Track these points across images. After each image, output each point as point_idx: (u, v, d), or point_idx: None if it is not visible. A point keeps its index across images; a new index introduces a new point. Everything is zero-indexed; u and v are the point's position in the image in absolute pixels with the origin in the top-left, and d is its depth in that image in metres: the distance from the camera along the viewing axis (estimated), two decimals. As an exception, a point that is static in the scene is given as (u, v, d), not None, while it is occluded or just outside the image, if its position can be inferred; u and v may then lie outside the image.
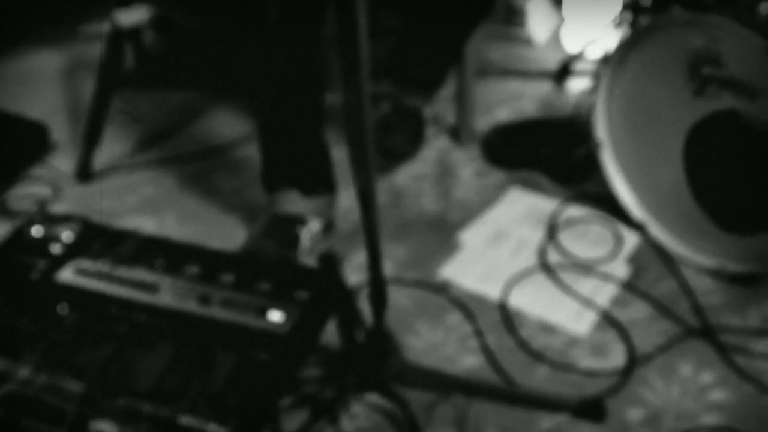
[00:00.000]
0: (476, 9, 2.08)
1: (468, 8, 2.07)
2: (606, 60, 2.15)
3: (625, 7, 2.69)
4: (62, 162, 2.58)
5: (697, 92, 1.97)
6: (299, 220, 2.11)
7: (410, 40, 2.19)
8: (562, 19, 3.22)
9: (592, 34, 2.95)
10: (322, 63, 2.07)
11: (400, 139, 2.36)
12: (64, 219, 1.84)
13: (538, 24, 3.17)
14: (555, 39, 3.18)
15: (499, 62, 3.02)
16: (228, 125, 2.73)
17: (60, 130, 2.70)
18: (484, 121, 2.66)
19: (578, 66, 2.89)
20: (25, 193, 2.45)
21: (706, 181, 2.06)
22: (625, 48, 2.06)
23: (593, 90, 2.59)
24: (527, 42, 3.16)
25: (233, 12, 2.19)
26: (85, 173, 2.51)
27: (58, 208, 2.39)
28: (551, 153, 2.46)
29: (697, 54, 1.94)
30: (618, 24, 2.73)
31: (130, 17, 2.59)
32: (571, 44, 3.09)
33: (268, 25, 1.93)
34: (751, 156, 1.96)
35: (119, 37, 2.56)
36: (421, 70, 2.25)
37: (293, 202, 2.13)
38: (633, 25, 2.60)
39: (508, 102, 2.79)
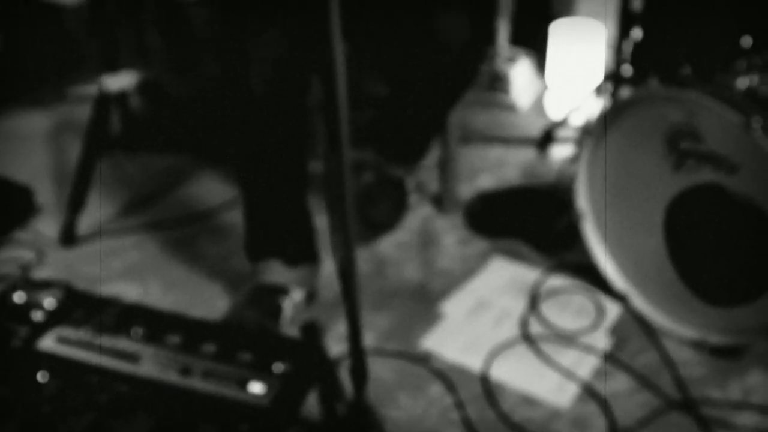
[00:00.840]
0: (460, 78, 2.11)
1: (452, 77, 2.09)
2: (587, 131, 2.18)
3: (607, 77, 2.74)
4: (46, 225, 2.58)
5: (677, 166, 2.00)
6: (282, 291, 2.11)
7: (394, 110, 2.21)
8: (545, 86, 3.28)
9: (575, 102, 2.99)
10: (307, 131, 2.09)
11: (383, 210, 2.37)
12: (47, 285, 1.84)
13: (521, 90, 3.21)
14: (538, 105, 3.22)
15: (483, 129, 3.06)
16: (213, 190, 2.75)
17: (45, 193, 2.71)
18: (467, 189, 2.68)
19: (561, 133, 2.93)
20: (8, 257, 2.44)
21: (687, 252, 2.08)
22: (606, 121, 2.09)
23: (575, 159, 2.63)
24: (511, 108, 3.20)
25: (219, 81, 2.22)
26: (69, 237, 2.51)
27: (41, 272, 2.38)
28: (534, 222, 2.48)
29: (676, 128, 1.97)
30: (600, 93, 2.78)
31: (118, 82, 2.62)
32: (554, 111, 3.14)
33: (254, 95, 1.95)
34: (731, 228, 1.98)
35: (106, 101, 2.58)
36: (404, 140, 2.27)
37: (277, 273, 2.14)
38: (614, 95, 2.65)
39: (491, 169, 2.81)
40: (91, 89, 3.15)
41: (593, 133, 2.13)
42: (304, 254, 2.18)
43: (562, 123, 2.94)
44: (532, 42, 3.30)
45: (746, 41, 2.26)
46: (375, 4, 2.07)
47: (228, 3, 2.08)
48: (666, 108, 1.97)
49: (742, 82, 2.06)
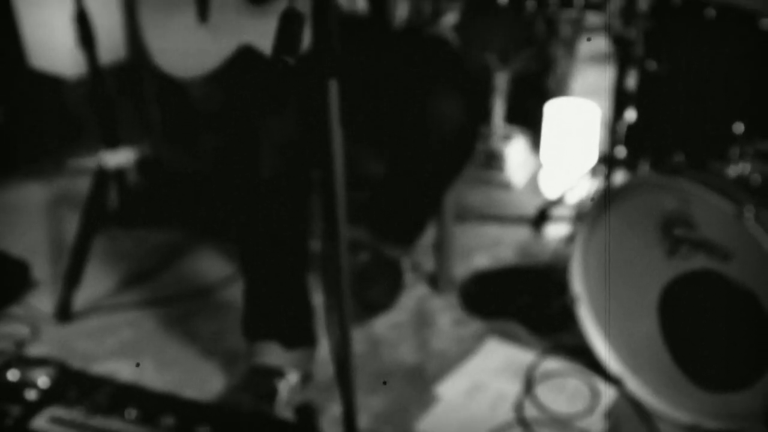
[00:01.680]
0: (455, 160, 2.13)
1: (447, 159, 2.12)
2: (581, 215, 2.20)
3: (601, 159, 2.77)
4: (42, 300, 2.58)
5: (670, 252, 2.02)
6: (278, 373, 2.11)
7: (390, 190, 2.24)
8: (540, 164, 3.31)
9: (570, 181, 3.02)
10: (308, 213, 2.11)
11: (379, 291, 2.38)
12: (41, 362, 1.84)
13: (516, 168, 3.25)
14: (533, 184, 3.25)
15: (478, 207, 3.08)
16: (209, 267, 2.75)
17: (41, 268, 2.72)
18: (462, 268, 2.70)
19: (556, 212, 2.95)
20: (3, 333, 2.44)
21: (681, 337, 2.09)
22: (600, 206, 2.11)
23: (570, 239, 2.64)
24: (506, 186, 3.23)
25: (224, 161, 2.24)
26: (64, 313, 2.51)
27: (36, 349, 2.38)
28: (529, 303, 2.49)
29: (670, 215, 1.99)
30: (594, 175, 2.81)
31: (116, 159, 2.64)
32: (549, 189, 3.17)
33: (261, 178, 1.97)
34: (726, 314, 1.99)
35: (104, 177, 2.61)
36: (400, 220, 2.29)
37: (273, 355, 2.14)
38: (608, 177, 2.68)
39: (487, 248, 2.83)
40: (89, 162, 3.19)
41: (588, 218, 2.15)
42: (301, 337, 2.18)
43: (557, 202, 2.97)
44: (528, 120, 3.35)
45: (738, 128, 2.30)
46: (371, 85, 2.11)
47: (239, 88, 2.13)
48: (660, 195, 2.00)
49: (735, 170, 2.10)
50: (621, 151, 2.69)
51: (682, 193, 1.96)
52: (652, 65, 2.55)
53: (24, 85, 3.41)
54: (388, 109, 2.12)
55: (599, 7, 1.66)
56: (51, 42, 3.31)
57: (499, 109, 3.24)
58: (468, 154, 2.18)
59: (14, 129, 3.38)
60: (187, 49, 2.19)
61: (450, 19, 2.27)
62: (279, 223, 2.03)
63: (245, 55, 2.09)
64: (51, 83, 3.40)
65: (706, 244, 1.95)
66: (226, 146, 2.18)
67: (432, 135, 2.03)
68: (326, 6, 1.14)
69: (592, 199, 2.11)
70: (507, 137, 3.25)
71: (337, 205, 1.37)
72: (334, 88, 1.26)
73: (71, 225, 2.67)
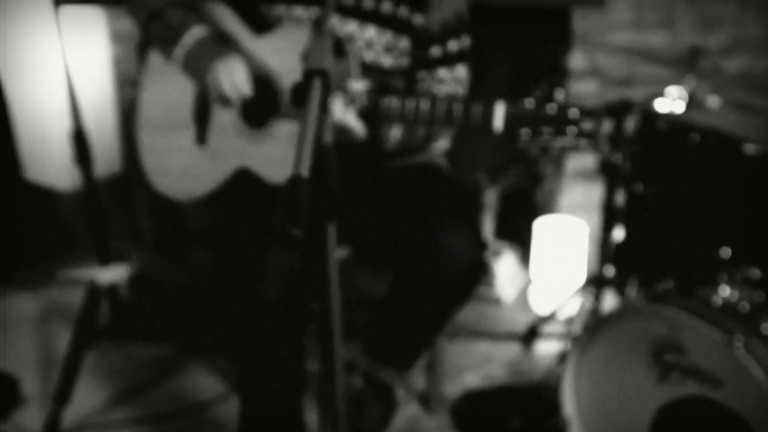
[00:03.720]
0: (459, 292, 2.15)
1: (452, 291, 2.13)
2: (572, 338, 2.22)
3: (589, 280, 2.80)
4: (30, 418, 2.56)
5: (661, 378, 2.03)
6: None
7: (390, 314, 2.24)
8: (529, 280, 3.34)
9: (559, 298, 3.05)
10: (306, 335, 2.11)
11: (371, 418, 2.36)
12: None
13: (506, 284, 3.27)
14: (523, 299, 3.27)
15: (468, 323, 3.09)
16: (202, 384, 2.74)
17: (30, 383, 2.70)
18: (453, 387, 2.69)
19: (546, 328, 2.96)
20: (-12, 453, 2.42)
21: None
22: (591, 332, 2.14)
23: (561, 358, 2.65)
24: (495, 302, 3.25)
25: (225, 286, 2.25)
26: (53, 432, 2.49)
27: (22, 470, 2.36)
28: (520, 424, 2.48)
29: (660, 342, 2.02)
30: (583, 294, 2.83)
31: (109, 275, 2.66)
32: (538, 305, 3.19)
33: (264, 303, 1.98)
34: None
35: (96, 294, 2.61)
36: (397, 345, 2.29)
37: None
38: (597, 296, 2.70)
39: (478, 366, 2.83)
40: (81, 273, 3.20)
41: (579, 342, 2.17)
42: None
43: (547, 319, 2.98)
44: (517, 236, 3.39)
45: (725, 252, 2.34)
46: (382, 216, 2.15)
47: (236, 211, 2.16)
48: (650, 322, 2.03)
49: (723, 296, 2.13)
50: (610, 270, 2.73)
51: (672, 321, 1.98)
52: (638, 187, 2.61)
53: (18, 196, 3.45)
54: (393, 236, 2.14)
55: (592, 136, 1.71)
56: (47, 155, 3.36)
57: (488, 225, 3.28)
58: (477, 283, 2.20)
59: (7, 240, 3.39)
60: (184, 171, 2.22)
61: (442, 144, 2.32)
62: (277, 345, 2.04)
63: (243, 178, 2.13)
64: (45, 195, 3.43)
65: (697, 372, 1.97)
66: (228, 268, 2.19)
67: (444, 268, 2.05)
68: (323, 155, 1.17)
69: (584, 326, 2.13)
70: (496, 253, 3.28)
71: (335, 347, 1.39)
72: (332, 232, 1.29)
73: (61, 338, 2.67)
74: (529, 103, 1.73)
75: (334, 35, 1.35)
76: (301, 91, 1.25)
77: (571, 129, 1.70)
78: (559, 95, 1.71)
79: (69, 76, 2.61)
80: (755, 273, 2.21)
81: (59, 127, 3.20)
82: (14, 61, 3.29)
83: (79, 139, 2.62)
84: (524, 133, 1.73)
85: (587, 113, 1.70)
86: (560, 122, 1.71)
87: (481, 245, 2.13)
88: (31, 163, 3.42)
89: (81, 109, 2.61)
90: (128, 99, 3.42)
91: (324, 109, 1.24)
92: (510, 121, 1.74)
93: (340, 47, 1.36)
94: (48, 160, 3.37)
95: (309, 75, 1.26)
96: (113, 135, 3.45)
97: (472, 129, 1.77)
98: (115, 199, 3.46)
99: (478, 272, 2.12)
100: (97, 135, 3.13)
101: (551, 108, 1.71)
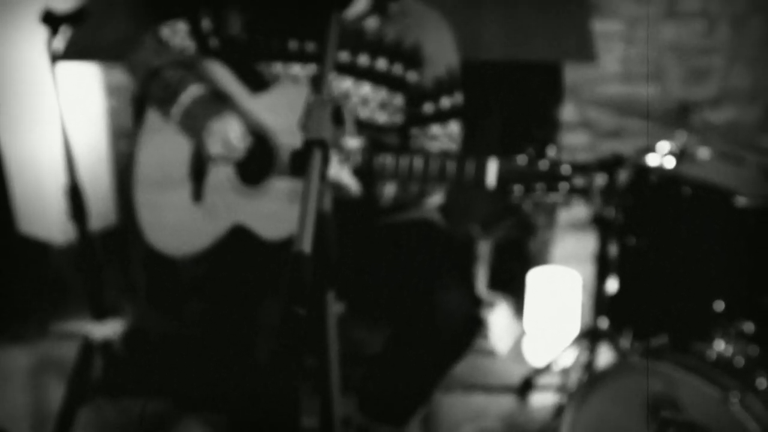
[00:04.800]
0: (455, 349, 2.15)
1: (448, 347, 2.14)
2: (568, 394, 2.22)
3: (583, 333, 2.81)
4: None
5: (658, 433, 2.04)
6: None
7: (387, 371, 2.24)
8: (523, 331, 3.34)
9: (554, 349, 3.05)
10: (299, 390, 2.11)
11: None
12: None
13: (500, 335, 3.27)
14: (517, 350, 3.27)
15: (463, 375, 3.09)
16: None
17: (22, 439, 2.69)
18: (449, 441, 2.69)
19: (541, 380, 2.96)
20: None
21: None
22: (586, 387, 2.14)
23: (557, 411, 2.65)
24: (490, 353, 3.24)
25: (217, 344, 2.25)
26: (44, 492, 2.47)
27: None
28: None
29: (656, 397, 2.02)
30: (577, 346, 2.84)
31: (103, 331, 2.65)
32: (533, 357, 3.19)
33: (257, 363, 1.99)
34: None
35: (90, 349, 2.61)
36: (395, 402, 2.27)
37: None
38: (592, 349, 2.71)
39: (473, 419, 2.82)
40: (74, 326, 3.19)
41: (575, 398, 2.17)
42: None
43: (542, 371, 2.98)
44: (510, 287, 3.40)
45: (719, 306, 2.35)
46: (377, 272, 2.15)
47: (231, 267, 2.17)
48: (645, 378, 2.03)
49: (718, 349, 2.13)
50: (604, 322, 2.74)
51: (668, 377, 1.99)
52: (631, 240, 2.62)
53: (12, 249, 3.45)
54: (389, 293, 2.15)
55: (584, 192, 1.72)
56: (41, 209, 3.37)
57: (482, 276, 3.29)
58: (473, 339, 2.20)
59: (1, 293, 3.38)
60: (180, 228, 2.24)
61: (436, 199, 2.34)
62: (271, 401, 2.03)
63: (238, 234, 2.14)
64: (39, 248, 3.44)
65: (694, 427, 1.98)
66: (221, 323, 2.19)
67: (440, 325, 2.05)
68: (322, 223, 1.18)
69: (579, 380, 2.14)
70: (490, 304, 3.29)
71: (332, 405, 1.39)
72: (331, 299, 1.30)
73: (54, 392, 2.65)
74: (521, 159, 1.75)
75: (333, 103, 1.37)
76: (299, 159, 1.26)
77: (563, 185, 1.72)
78: (551, 151, 1.73)
79: (65, 131, 2.62)
80: (749, 327, 2.22)
81: (54, 180, 3.21)
82: (10, 115, 3.31)
83: (75, 195, 2.63)
84: (517, 189, 1.74)
85: (579, 169, 1.72)
86: (552, 178, 1.73)
87: (476, 301, 2.14)
88: (26, 216, 3.43)
89: (76, 163, 2.63)
90: (123, 152, 3.44)
91: (323, 178, 1.25)
92: (503, 177, 1.75)
93: (338, 114, 1.38)
94: (42, 213, 3.38)
95: (309, 145, 1.27)
96: (108, 188, 3.47)
97: (465, 186, 1.78)
98: (109, 252, 3.46)
99: (474, 328, 2.12)
100: (92, 188, 3.14)
101: (543, 164, 1.73)
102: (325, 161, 1.27)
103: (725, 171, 2.60)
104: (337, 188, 1.89)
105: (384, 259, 2.17)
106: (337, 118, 1.36)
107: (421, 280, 2.08)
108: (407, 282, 2.09)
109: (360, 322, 2.42)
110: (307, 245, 1.09)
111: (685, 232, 2.53)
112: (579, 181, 1.72)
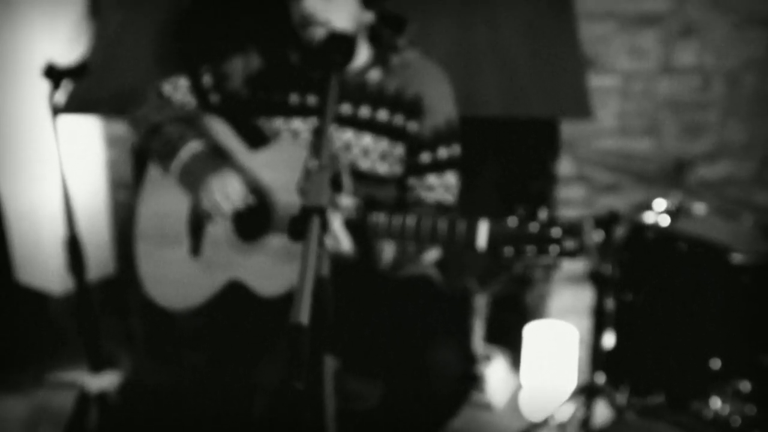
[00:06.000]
0: (449, 406, 2.14)
1: (440, 405, 2.13)
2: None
3: (580, 388, 2.80)
4: None
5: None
6: None
7: (378, 426, 2.23)
8: (520, 385, 3.33)
9: (551, 402, 3.04)
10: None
11: None
12: None
13: (496, 389, 3.26)
14: (514, 403, 3.26)
15: (459, 429, 3.07)
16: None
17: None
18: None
19: (537, 435, 2.95)
20: None
21: None
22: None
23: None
24: (486, 407, 3.23)
25: (218, 397, 2.25)
26: None
27: None
28: None
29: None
30: (574, 401, 2.83)
31: (99, 382, 2.65)
32: (529, 410, 3.17)
33: (252, 418, 1.98)
34: None
35: (86, 401, 2.60)
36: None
37: None
38: (588, 405, 2.70)
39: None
40: (70, 376, 3.18)
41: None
42: None
43: (539, 426, 2.97)
44: (507, 340, 3.39)
45: (715, 363, 2.35)
46: (372, 328, 2.16)
47: (228, 322, 2.17)
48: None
49: (714, 407, 2.13)
50: (600, 377, 2.73)
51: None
52: (628, 295, 2.63)
53: (10, 298, 3.45)
54: (383, 349, 2.15)
55: (574, 254, 1.73)
56: (40, 259, 3.38)
57: (478, 329, 3.29)
58: (466, 397, 2.20)
59: (-3, 341, 3.39)
60: (178, 282, 2.25)
61: (432, 255, 2.35)
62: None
63: (235, 290, 2.15)
64: (37, 298, 3.44)
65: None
66: (218, 379, 2.19)
67: (434, 382, 2.05)
68: (320, 285, 1.19)
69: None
70: (487, 358, 3.28)
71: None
72: (330, 363, 1.30)
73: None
74: (512, 221, 1.75)
75: (332, 169, 1.38)
76: (298, 225, 1.27)
77: (554, 248, 1.72)
78: (542, 214, 1.74)
79: (65, 183, 2.64)
80: (746, 386, 2.22)
81: (53, 230, 3.23)
82: (11, 165, 3.33)
83: (73, 247, 2.64)
84: (507, 251, 1.75)
85: (569, 232, 1.72)
86: (543, 241, 1.73)
87: (470, 358, 2.14)
88: (24, 266, 3.44)
89: (75, 214, 2.64)
90: (122, 202, 3.45)
91: (322, 244, 1.26)
92: (493, 239, 1.76)
93: (337, 181, 1.39)
94: (41, 263, 3.39)
95: (307, 212, 1.28)
96: (106, 238, 3.48)
97: (456, 247, 1.79)
98: (106, 302, 3.46)
99: (468, 386, 2.12)
100: (91, 239, 3.16)
101: (533, 227, 1.74)
102: (324, 228, 1.28)
103: (721, 227, 2.62)
104: (335, 251, 1.90)
105: (379, 313, 2.18)
106: (336, 184, 1.37)
107: (415, 336, 2.08)
108: (401, 338, 2.10)
109: (355, 376, 2.42)
110: (304, 317, 1.10)
111: (681, 288, 2.54)
112: (570, 244, 1.72)
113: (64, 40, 3.16)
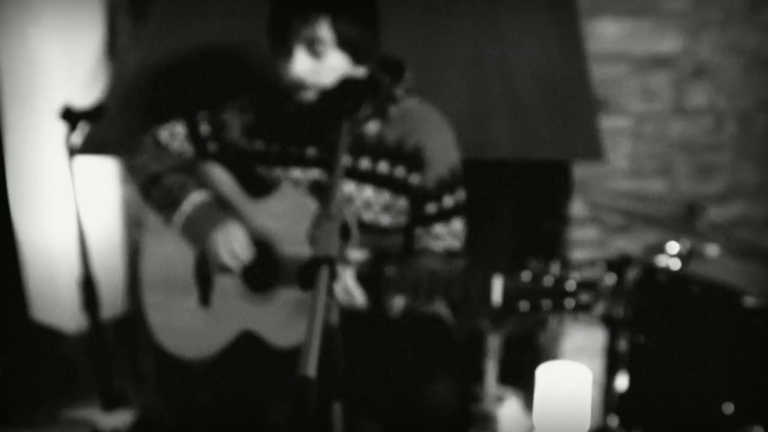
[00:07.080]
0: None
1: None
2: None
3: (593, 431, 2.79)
4: None
5: None
6: None
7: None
8: (532, 426, 3.31)
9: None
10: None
11: None
12: None
13: (509, 429, 3.25)
14: (527, 445, 3.25)
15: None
16: None
17: None
18: None
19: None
20: None
21: None
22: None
23: None
24: (499, 451, 3.22)
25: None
26: None
27: None
28: None
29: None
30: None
31: (112, 420, 2.66)
32: (542, 452, 3.16)
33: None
34: None
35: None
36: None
37: None
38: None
39: None
40: (83, 413, 3.19)
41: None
42: None
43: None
44: (520, 381, 3.38)
45: (728, 408, 2.34)
46: (370, 364, 2.15)
47: (240, 372, 2.17)
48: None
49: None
50: (613, 420, 2.72)
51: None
52: (640, 338, 2.62)
53: (24, 336, 3.46)
54: (380, 385, 2.15)
55: (587, 309, 1.73)
56: (54, 297, 3.40)
57: (491, 370, 3.28)
58: None
59: (11, 380, 3.39)
60: (189, 332, 2.23)
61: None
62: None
63: (247, 340, 2.14)
64: (51, 335, 3.45)
65: None
66: (230, 420, 2.19)
67: (427, 419, 2.05)
68: (330, 336, 1.20)
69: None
70: (500, 398, 3.27)
71: None
72: (338, 409, 1.31)
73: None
74: (525, 276, 1.75)
75: (341, 218, 1.39)
76: (307, 274, 1.27)
77: (569, 302, 1.72)
78: (555, 268, 1.74)
79: (80, 224, 2.67)
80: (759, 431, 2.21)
81: (68, 269, 3.25)
82: (27, 204, 3.36)
83: (88, 286, 2.66)
84: (523, 306, 1.75)
85: (584, 286, 1.72)
86: (558, 295, 1.73)
87: (465, 395, 2.14)
88: (39, 304, 3.45)
89: (90, 253, 2.66)
90: (136, 240, 3.47)
91: (331, 294, 1.27)
92: (508, 294, 1.76)
93: (346, 230, 1.40)
94: (55, 301, 3.40)
95: (316, 262, 1.29)
96: (120, 277, 3.50)
97: (471, 303, 1.79)
98: (119, 340, 3.47)
99: (462, 423, 2.11)
100: (105, 277, 3.18)
101: (548, 280, 1.74)
102: (333, 277, 1.29)
103: (734, 269, 2.61)
104: (348, 305, 1.91)
105: (382, 354, 2.17)
106: (345, 233, 1.38)
107: (409, 375, 2.08)
108: (396, 375, 2.09)
109: (359, 417, 2.41)
110: (311, 369, 1.11)
111: (694, 331, 2.53)
112: (585, 298, 1.72)
113: (81, 83, 3.20)
